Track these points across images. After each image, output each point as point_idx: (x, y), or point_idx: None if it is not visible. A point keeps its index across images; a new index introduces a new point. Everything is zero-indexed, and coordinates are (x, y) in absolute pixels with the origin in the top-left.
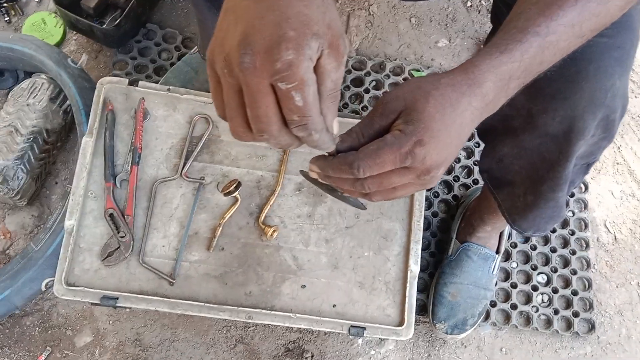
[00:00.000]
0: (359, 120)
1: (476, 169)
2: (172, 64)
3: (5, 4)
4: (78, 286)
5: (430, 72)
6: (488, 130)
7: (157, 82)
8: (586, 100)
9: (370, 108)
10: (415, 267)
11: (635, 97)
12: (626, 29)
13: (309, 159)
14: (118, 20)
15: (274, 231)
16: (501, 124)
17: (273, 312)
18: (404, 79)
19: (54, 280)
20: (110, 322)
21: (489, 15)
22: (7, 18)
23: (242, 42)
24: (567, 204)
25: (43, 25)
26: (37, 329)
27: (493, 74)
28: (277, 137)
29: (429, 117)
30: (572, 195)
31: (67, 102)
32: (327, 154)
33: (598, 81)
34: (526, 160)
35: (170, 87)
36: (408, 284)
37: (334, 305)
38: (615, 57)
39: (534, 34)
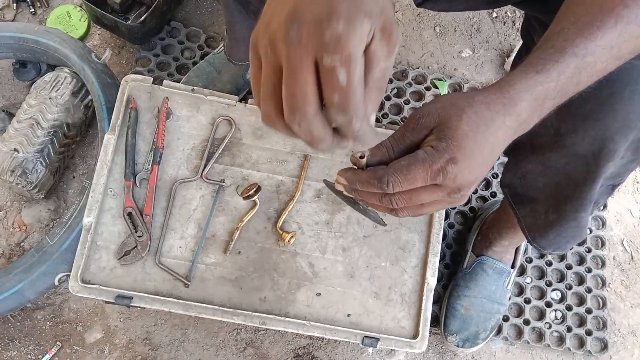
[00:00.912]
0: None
1: (494, 181)
2: (194, 63)
3: None
4: (93, 284)
5: (452, 82)
6: (513, 145)
7: (179, 81)
8: (619, 122)
9: (390, 115)
10: (432, 280)
11: None
12: None
13: (330, 165)
14: (143, 17)
15: (292, 237)
16: (527, 139)
17: (287, 318)
18: (426, 88)
19: (67, 275)
20: (121, 320)
21: (514, 27)
22: (33, 9)
23: (290, 17)
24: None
25: (68, 18)
26: (48, 323)
27: (528, 93)
28: (310, 121)
29: (462, 135)
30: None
31: (89, 97)
32: (356, 167)
33: (632, 104)
34: (551, 179)
35: (195, 87)
36: (424, 297)
37: (349, 315)
38: None
39: (571, 55)
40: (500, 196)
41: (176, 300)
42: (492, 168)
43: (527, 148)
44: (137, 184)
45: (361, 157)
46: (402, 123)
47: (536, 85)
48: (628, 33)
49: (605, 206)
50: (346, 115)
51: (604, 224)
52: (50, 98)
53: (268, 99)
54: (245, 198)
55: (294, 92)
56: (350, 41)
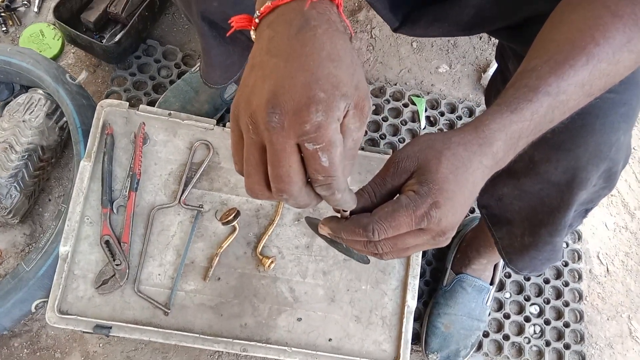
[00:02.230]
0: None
1: None
2: (171, 82)
3: (2, 14)
4: (71, 314)
5: (429, 97)
6: None
7: (156, 100)
8: (590, 154)
9: (369, 133)
10: (412, 302)
11: None
12: (633, 86)
13: None
14: (119, 37)
15: (272, 262)
16: None
17: (268, 345)
18: (404, 105)
19: (44, 301)
20: (101, 345)
21: (491, 42)
22: (5, 28)
23: (271, 102)
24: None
25: (41, 37)
26: (25, 350)
27: (503, 133)
28: (296, 197)
29: (443, 178)
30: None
31: (64, 119)
32: (338, 215)
33: (603, 135)
34: (526, 203)
35: (172, 112)
36: (405, 319)
37: (330, 339)
38: (621, 113)
39: (544, 94)
40: (478, 213)
41: (156, 329)
42: None
43: (503, 172)
44: (115, 211)
45: (345, 210)
46: (382, 166)
47: (511, 124)
48: (599, 70)
49: None
50: (329, 190)
51: (579, 237)
52: (24, 121)
53: (251, 174)
54: (224, 223)
55: (280, 174)
56: (329, 129)
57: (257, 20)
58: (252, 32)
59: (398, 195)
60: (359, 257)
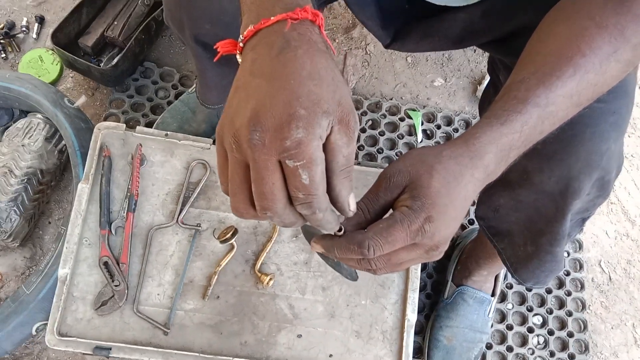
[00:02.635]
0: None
1: (471, 208)
2: (169, 103)
3: (2, 41)
4: (70, 336)
5: (426, 111)
6: None
7: (154, 121)
8: (582, 163)
9: (366, 147)
10: (412, 316)
11: (629, 136)
12: (622, 95)
13: None
14: (116, 60)
15: (270, 279)
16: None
17: None
18: (400, 119)
19: (45, 324)
20: None
21: (485, 55)
22: (4, 55)
23: (253, 120)
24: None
25: (40, 62)
26: None
27: (494, 145)
28: (280, 215)
29: (435, 192)
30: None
31: (63, 142)
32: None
33: (594, 145)
34: (523, 213)
35: (168, 132)
36: (405, 333)
37: (331, 355)
38: (611, 122)
39: (534, 105)
40: (477, 224)
41: (156, 349)
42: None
43: (498, 183)
44: (113, 232)
45: (339, 230)
46: (375, 182)
47: (501, 137)
48: (587, 81)
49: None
50: (310, 209)
51: (580, 246)
52: (23, 145)
53: (237, 193)
54: (222, 242)
55: (263, 192)
56: (309, 146)
57: (241, 45)
58: (237, 56)
59: (391, 211)
60: (347, 272)
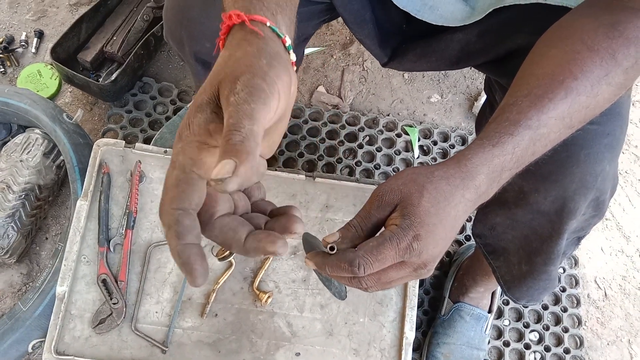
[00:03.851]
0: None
1: (468, 224)
2: (167, 118)
3: (1, 55)
4: (68, 355)
5: (422, 127)
6: None
7: (152, 137)
8: (577, 184)
9: (364, 163)
10: (410, 334)
11: (623, 153)
12: (616, 117)
13: (304, 222)
14: (115, 76)
15: (269, 297)
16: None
17: None
18: (397, 135)
19: (41, 341)
20: None
21: (480, 72)
22: (3, 69)
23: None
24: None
25: (39, 77)
26: None
27: (486, 166)
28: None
29: (424, 212)
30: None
31: (61, 157)
32: (325, 250)
33: (588, 166)
34: (519, 232)
35: (167, 149)
36: (403, 351)
37: None
38: (605, 144)
39: (525, 127)
40: (474, 241)
41: None
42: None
43: (495, 202)
44: (111, 249)
45: (332, 249)
46: (367, 200)
47: (493, 158)
48: (578, 103)
49: None
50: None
51: (576, 262)
52: (21, 161)
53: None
54: (220, 259)
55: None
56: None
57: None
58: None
59: (382, 229)
60: (336, 290)
